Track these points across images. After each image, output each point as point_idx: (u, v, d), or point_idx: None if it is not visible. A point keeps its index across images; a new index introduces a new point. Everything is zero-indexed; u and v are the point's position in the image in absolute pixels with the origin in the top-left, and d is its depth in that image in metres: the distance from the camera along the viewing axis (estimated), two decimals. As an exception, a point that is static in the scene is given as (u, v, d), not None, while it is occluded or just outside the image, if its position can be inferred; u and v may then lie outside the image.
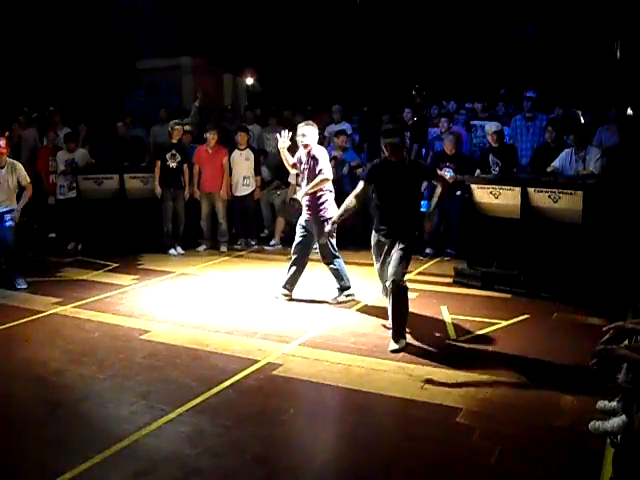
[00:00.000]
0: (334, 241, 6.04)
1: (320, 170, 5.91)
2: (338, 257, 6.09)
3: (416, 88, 10.74)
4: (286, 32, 12.16)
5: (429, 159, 8.56)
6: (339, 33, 12.18)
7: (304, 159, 6.09)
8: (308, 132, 6.01)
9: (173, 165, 8.40)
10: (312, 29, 12.17)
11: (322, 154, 6.03)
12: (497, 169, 7.54)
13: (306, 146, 6.01)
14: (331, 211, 5.90)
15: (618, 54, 10.96)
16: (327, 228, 5.44)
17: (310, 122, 6.23)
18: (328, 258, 6.05)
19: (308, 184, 6.01)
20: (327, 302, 6.05)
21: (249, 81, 13.32)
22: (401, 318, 4.84)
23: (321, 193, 5.98)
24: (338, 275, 6.08)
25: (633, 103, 8.53)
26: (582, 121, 8.77)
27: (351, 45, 12.25)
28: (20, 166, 6.87)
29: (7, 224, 6.70)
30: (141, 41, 11.87)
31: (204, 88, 10.33)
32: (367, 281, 6.42)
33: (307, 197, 6.04)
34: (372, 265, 5.37)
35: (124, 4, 11.66)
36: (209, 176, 8.51)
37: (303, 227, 6.06)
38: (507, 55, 12.45)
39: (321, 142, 9.74)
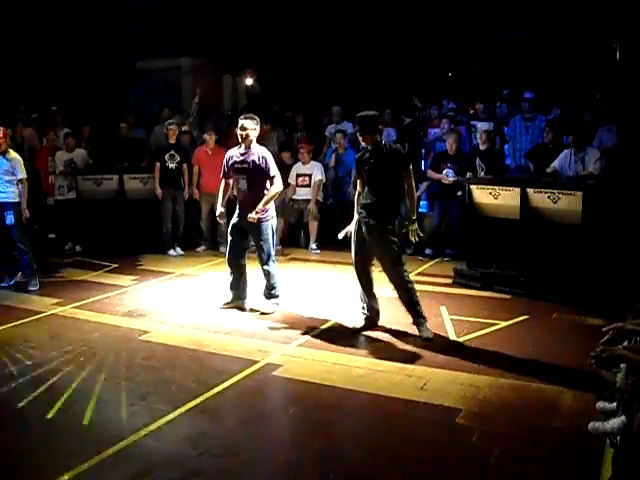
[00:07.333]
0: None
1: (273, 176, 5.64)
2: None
3: (416, 93, 10.72)
4: (286, 32, 12.15)
5: (430, 159, 8.54)
6: (338, 33, 12.17)
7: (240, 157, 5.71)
8: (249, 125, 5.62)
9: (172, 166, 8.40)
10: (312, 29, 12.17)
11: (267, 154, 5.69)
12: (482, 173, 7.53)
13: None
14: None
15: (618, 54, 10.97)
16: (340, 235, 5.37)
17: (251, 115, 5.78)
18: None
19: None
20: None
21: (249, 81, 13.31)
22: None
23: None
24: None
25: (633, 103, 8.52)
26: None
27: (351, 45, 12.24)
28: (19, 159, 6.70)
29: (7, 222, 6.55)
30: (141, 41, 11.84)
31: (202, 85, 10.40)
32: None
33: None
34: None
35: (124, 5, 11.65)
36: (209, 177, 8.48)
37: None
38: (507, 55, 12.46)
39: (321, 142, 9.83)
